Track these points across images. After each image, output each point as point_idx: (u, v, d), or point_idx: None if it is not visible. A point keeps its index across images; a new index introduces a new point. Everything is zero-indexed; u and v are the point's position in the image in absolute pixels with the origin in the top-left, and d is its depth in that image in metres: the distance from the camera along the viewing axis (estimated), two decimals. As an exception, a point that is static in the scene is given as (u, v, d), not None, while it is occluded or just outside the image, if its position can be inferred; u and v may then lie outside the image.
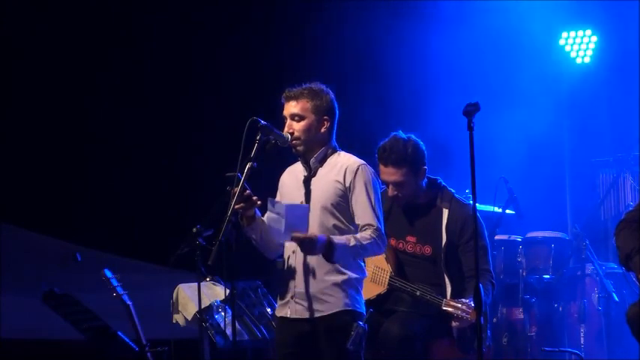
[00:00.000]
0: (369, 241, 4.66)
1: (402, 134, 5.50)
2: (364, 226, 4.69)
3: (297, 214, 4.54)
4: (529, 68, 8.81)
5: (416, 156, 5.45)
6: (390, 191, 5.51)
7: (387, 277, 5.54)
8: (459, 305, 5.28)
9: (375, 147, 5.54)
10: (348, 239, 4.63)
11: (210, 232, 4.72)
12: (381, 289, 5.56)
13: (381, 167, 5.49)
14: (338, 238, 4.61)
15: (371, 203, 4.71)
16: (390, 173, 5.47)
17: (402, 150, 5.43)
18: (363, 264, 4.85)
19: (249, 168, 4.52)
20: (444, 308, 5.33)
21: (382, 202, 4.93)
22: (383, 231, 4.74)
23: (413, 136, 5.51)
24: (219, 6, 8.96)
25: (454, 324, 5.34)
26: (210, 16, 8.97)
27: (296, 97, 4.75)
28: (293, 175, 4.87)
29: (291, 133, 4.72)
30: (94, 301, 5.77)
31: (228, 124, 5.79)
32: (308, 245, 4.55)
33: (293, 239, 4.57)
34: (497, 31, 8.63)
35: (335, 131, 4.83)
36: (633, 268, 5.24)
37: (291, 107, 4.75)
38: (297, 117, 4.74)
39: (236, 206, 4.50)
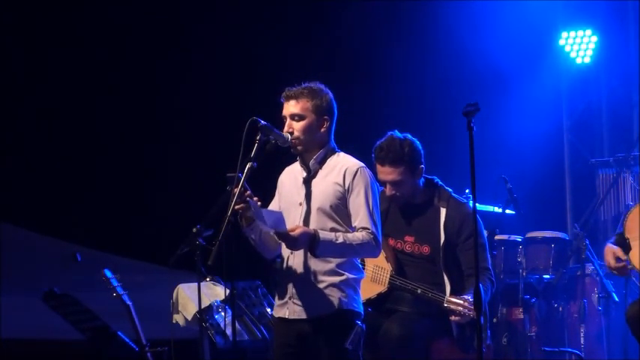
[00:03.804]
0: (359, 242, 4.63)
1: (398, 133, 5.51)
2: (359, 229, 4.68)
3: (275, 218, 4.56)
4: (529, 68, 8.82)
5: (413, 155, 5.46)
6: (388, 190, 5.51)
7: (388, 276, 5.55)
8: (461, 302, 5.29)
9: (372, 147, 5.55)
10: (337, 236, 4.61)
11: (210, 232, 4.72)
12: (381, 288, 5.56)
13: (378, 167, 5.50)
14: (324, 234, 4.59)
15: (368, 207, 4.69)
16: (387, 172, 5.47)
17: (399, 149, 5.44)
18: (360, 264, 4.84)
19: (249, 168, 4.51)
20: (446, 305, 5.33)
21: (380, 202, 4.94)
22: (379, 235, 4.71)
23: (409, 135, 5.53)
24: (219, 6, 8.96)
25: (453, 318, 5.34)
26: (211, 17, 8.97)
27: (296, 97, 4.73)
28: (292, 176, 4.86)
29: (291, 133, 4.71)
30: (94, 301, 5.77)
31: (228, 124, 5.78)
32: (290, 242, 4.55)
33: (276, 235, 4.58)
34: (497, 31, 8.63)
35: (334, 131, 4.83)
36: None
37: (291, 107, 4.73)
38: (296, 117, 4.72)
39: (236, 207, 4.50)
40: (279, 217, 4.57)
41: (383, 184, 5.52)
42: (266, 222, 4.53)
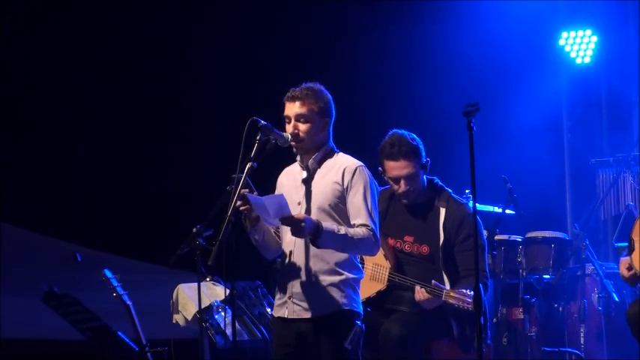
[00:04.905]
0: (359, 237, 4.64)
1: (400, 130, 5.54)
2: (359, 225, 4.69)
3: (278, 202, 4.55)
4: (529, 68, 8.82)
5: (420, 147, 5.52)
6: (403, 186, 5.51)
7: (387, 273, 5.55)
8: (460, 296, 5.28)
9: (378, 147, 5.55)
10: (338, 228, 4.62)
11: (210, 232, 4.72)
12: (380, 286, 5.56)
13: (391, 163, 5.50)
14: (327, 224, 4.60)
15: (367, 205, 4.70)
16: (402, 167, 5.48)
17: (410, 142, 5.49)
18: (360, 264, 4.84)
19: (249, 168, 4.52)
20: (444, 299, 5.33)
21: (379, 202, 4.94)
22: (378, 233, 4.72)
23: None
24: (220, 5, 8.97)
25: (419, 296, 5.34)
26: (211, 16, 8.97)
27: (302, 99, 4.73)
28: (291, 176, 4.87)
29: (296, 134, 4.71)
30: (94, 301, 5.77)
31: (228, 124, 5.79)
32: (296, 225, 4.54)
33: (281, 220, 4.56)
34: (497, 31, 8.63)
35: (332, 131, 4.83)
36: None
37: (297, 108, 4.73)
38: (302, 118, 4.73)
39: (241, 208, 4.52)
40: (281, 201, 4.56)
41: (396, 180, 5.51)
42: (269, 211, 4.52)
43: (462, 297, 5.27)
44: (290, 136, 4.71)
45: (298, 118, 4.73)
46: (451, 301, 5.31)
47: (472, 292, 5.19)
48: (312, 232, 4.55)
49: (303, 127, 4.73)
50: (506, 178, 7.05)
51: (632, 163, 8.08)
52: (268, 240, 4.76)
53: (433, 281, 5.36)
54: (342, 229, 4.63)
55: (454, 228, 5.51)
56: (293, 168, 4.89)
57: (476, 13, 8.71)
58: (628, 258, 5.67)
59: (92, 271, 5.81)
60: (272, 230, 4.79)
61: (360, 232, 4.66)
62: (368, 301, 5.48)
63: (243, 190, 4.50)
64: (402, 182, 5.51)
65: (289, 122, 4.75)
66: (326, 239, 4.58)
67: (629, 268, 5.64)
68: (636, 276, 5.62)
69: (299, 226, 4.52)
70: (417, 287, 5.38)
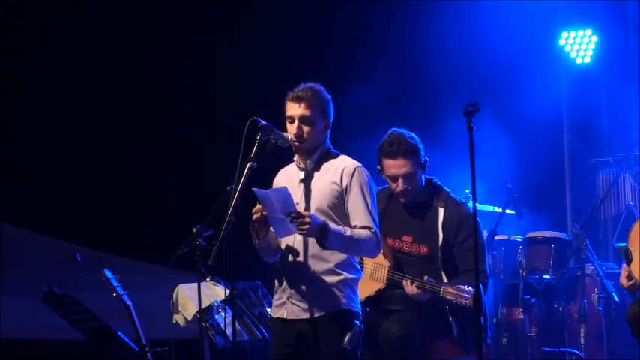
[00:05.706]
0: (364, 239, 4.65)
1: (399, 129, 5.54)
2: (361, 227, 4.69)
3: (283, 196, 4.54)
4: (529, 68, 8.81)
5: (419, 147, 5.51)
6: (401, 185, 5.50)
7: (385, 272, 5.55)
8: (457, 292, 5.28)
9: (369, 146, 5.55)
10: (344, 229, 4.63)
11: (210, 232, 4.72)
12: (379, 285, 5.56)
13: (389, 162, 5.49)
14: (333, 225, 4.61)
15: (367, 206, 4.71)
16: (400, 166, 5.48)
17: (409, 141, 5.48)
18: (359, 264, 4.84)
19: (249, 168, 4.52)
20: (442, 295, 5.33)
21: (377, 202, 4.94)
22: (379, 235, 4.73)
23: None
24: (220, 5, 8.97)
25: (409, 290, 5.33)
26: (211, 16, 8.98)
27: (306, 100, 4.72)
28: (288, 177, 4.86)
29: (300, 135, 4.71)
30: (94, 301, 5.77)
31: (228, 124, 5.79)
32: (302, 222, 4.52)
33: (289, 216, 4.53)
34: (497, 30, 8.63)
35: (329, 132, 4.83)
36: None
37: (301, 109, 4.72)
38: (306, 120, 4.72)
39: (254, 216, 4.54)
40: (285, 193, 4.55)
41: (394, 179, 5.51)
42: (274, 205, 4.51)
43: (459, 292, 5.26)
44: (291, 137, 4.71)
45: (302, 119, 4.73)
46: (448, 297, 5.30)
47: (470, 288, 5.20)
48: (317, 231, 4.55)
49: (306, 128, 4.73)
50: (506, 178, 7.06)
51: (632, 163, 8.07)
52: (273, 246, 4.78)
53: (425, 277, 5.36)
54: (348, 231, 4.64)
55: (453, 228, 5.51)
56: (290, 169, 4.88)
57: (476, 13, 8.71)
58: (627, 267, 5.67)
59: (92, 271, 5.81)
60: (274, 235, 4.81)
61: (364, 233, 4.67)
62: (368, 301, 5.48)
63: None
64: (400, 181, 5.51)
65: (292, 123, 4.75)
66: (333, 240, 4.59)
67: (629, 277, 5.64)
68: (636, 285, 5.62)
69: (305, 223, 4.52)
70: (406, 282, 5.38)
